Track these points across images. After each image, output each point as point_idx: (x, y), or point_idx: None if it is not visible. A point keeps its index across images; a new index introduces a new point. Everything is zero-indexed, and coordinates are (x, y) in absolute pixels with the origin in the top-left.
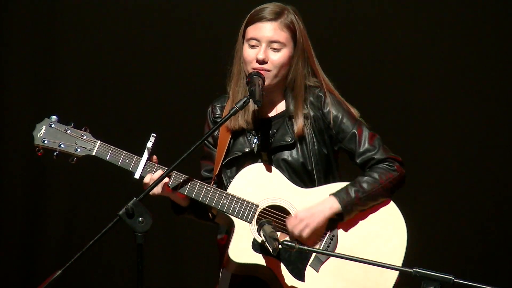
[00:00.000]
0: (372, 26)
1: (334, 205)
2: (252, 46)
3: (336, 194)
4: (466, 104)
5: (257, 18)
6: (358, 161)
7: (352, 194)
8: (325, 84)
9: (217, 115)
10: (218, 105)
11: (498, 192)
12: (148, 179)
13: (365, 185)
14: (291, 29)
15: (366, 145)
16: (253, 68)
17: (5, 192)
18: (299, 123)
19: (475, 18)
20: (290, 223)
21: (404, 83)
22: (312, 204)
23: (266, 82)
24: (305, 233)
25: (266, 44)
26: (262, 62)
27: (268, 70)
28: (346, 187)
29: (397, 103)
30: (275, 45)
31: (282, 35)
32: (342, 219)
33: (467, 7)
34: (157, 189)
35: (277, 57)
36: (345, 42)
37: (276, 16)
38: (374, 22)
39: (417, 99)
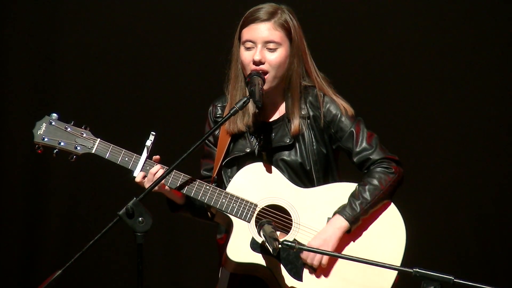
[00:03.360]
0: (371, 25)
1: (343, 224)
2: (248, 49)
3: (341, 212)
4: (465, 104)
5: (251, 20)
6: (355, 160)
7: (357, 208)
8: (318, 84)
9: (218, 115)
10: (219, 105)
11: (498, 192)
12: (139, 178)
13: (367, 195)
14: (285, 28)
15: (364, 144)
16: (252, 70)
17: (5, 192)
18: (295, 123)
19: (475, 17)
20: (306, 256)
21: (403, 83)
22: (316, 223)
23: (266, 85)
24: (324, 261)
25: (261, 45)
26: (259, 63)
27: (266, 72)
28: (349, 202)
29: (396, 103)
30: (271, 45)
31: (277, 35)
32: (349, 231)
33: (467, 7)
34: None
35: (274, 57)
36: (344, 41)
37: (270, 16)
38: (374, 21)
39: (417, 99)
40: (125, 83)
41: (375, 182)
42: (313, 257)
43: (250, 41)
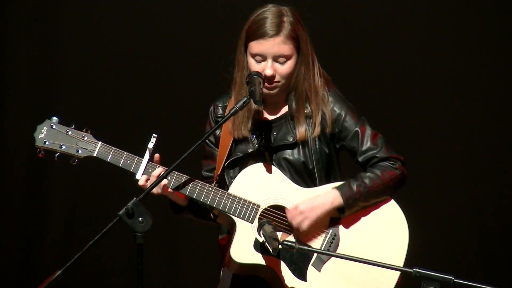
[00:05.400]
0: (373, 26)
1: (336, 199)
2: (258, 62)
3: (338, 188)
4: (466, 104)
5: (259, 35)
6: (360, 159)
7: (354, 188)
8: (314, 89)
9: (219, 115)
10: (220, 105)
11: (498, 192)
12: (142, 181)
13: (367, 180)
14: (293, 38)
15: (369, 144)
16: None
17: (6, 193)
18: (301, 131)
19: (475, 18)
20: (290, 213)
21: (404, 83)
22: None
23: (276, 92)
24: (304, 226)
25: (271, 59)
26: (271, 77)
27: (278, 82)
28: (348, 181)
29: (397, 103)
30: (281, 59)
31: (286, 48)
32: (343, 213)
33: (467, 8)
34: (156, 189)
35: (284, 69)
36: (346, 41)
37: (278, 30)
38: (376, 22)
39: (417, 99)
40: (127, 85)
41: (377, 172)
42: (294, 217)
43: (260, 55)
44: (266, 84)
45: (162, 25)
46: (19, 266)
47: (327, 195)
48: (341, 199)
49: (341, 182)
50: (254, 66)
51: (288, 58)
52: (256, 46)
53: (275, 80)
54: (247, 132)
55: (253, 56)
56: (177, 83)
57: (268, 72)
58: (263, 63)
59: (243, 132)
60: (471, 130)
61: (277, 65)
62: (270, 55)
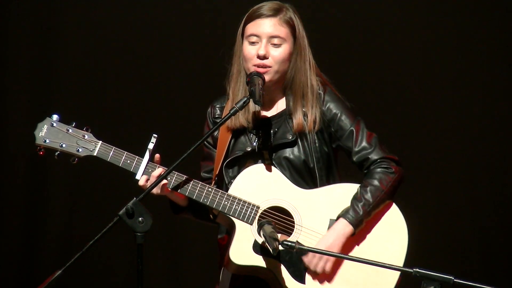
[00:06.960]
0: (372, 26)
1: (346, 228)
2: (252, 43)
3: (345, 216)
4: (465, 104)
5: (256, 15)
6: (354, 159)
7: (360, 211)
8: (310, 87)
9: (216, 116)
10: (217, 106)
11: (497, 192)
12: (142, 181)
13: (369, 197)
14: (290, 25)
15: (363, 144)
16: (254, 65)
17: (6, 192)
18: (298, 119)
19: (475, 18)
20: (309, 261)
21: (404, 83)
22: (320, 226)
23: (267, 78)
24: (327, 268)
25: (266, 39)
26: (263, 57)
27: (269, 66)
28: (352, 204)
29: (397, 103)
30: (276, 41)
31: (282, 31)
32: (353, 234)
33: (467, 8)
34: (156, 189)
35: (278, 53)
36: (345, 41)
37: (276, 12)
38: (375, 22)
39: (417, 99)
40: (127, 84)
41: (376, 183)
42: (316, 264)
43: (255, 35)
44: (257, 68)
45: (162, 25)
46: (19, 266)
47: (336, 229)
48: (351, 227)
49: (341, 184)
50: (247, 48)
51: (282, 40)
52: (251, 27)
53: (268, 63)
54: (244, 121)
55: (248, 37)
56: (177, 84)
57: (261, 51)
58: (257, 45)
59: (241, 121)
60: (471, 130)
61: (271, 47)
62: (265, 35)
